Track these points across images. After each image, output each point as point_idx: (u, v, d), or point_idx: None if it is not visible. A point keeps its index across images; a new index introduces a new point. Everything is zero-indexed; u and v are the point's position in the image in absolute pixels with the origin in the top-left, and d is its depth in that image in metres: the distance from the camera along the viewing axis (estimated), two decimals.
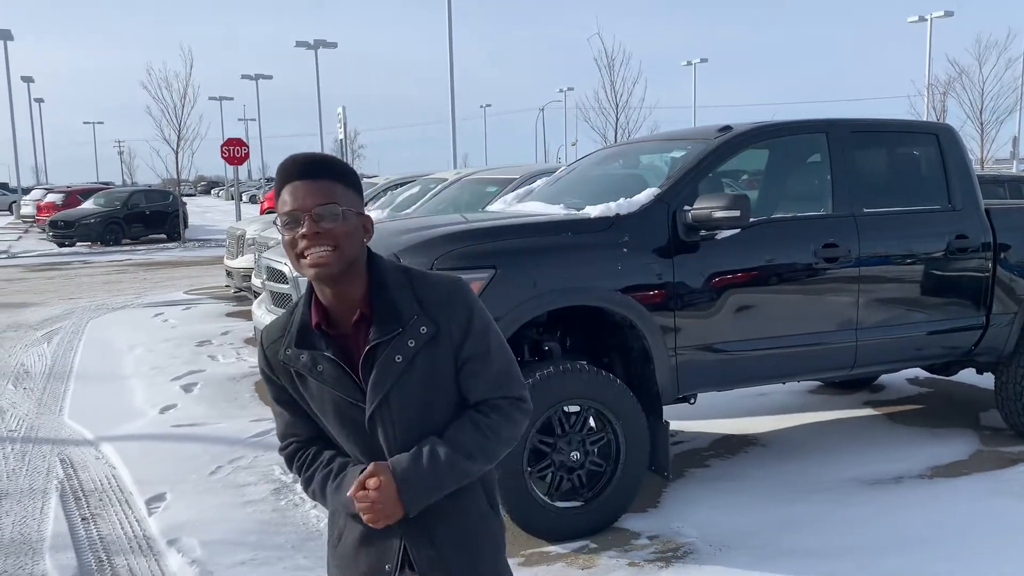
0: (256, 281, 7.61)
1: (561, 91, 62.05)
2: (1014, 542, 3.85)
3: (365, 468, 1.62)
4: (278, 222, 1.60)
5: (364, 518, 1.61)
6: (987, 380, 5.68)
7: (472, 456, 1.64)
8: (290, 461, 1.76)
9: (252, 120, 64.97)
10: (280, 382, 1.70)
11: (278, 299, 6.65)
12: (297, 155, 1.60)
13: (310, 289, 1.63)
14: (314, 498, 1.74)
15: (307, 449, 1.74)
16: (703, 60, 51.25)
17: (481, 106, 78.45)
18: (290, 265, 6.79)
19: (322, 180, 1.56)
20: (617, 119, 25.79)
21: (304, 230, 1.53)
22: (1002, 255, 4.99)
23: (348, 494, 1.62)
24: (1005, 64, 27.58)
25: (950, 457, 5.05)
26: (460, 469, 1.63)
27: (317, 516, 4.26)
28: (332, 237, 1.54)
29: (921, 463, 4.94)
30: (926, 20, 35.02)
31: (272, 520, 4.23)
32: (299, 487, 4.66)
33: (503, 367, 1.68)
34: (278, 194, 1.58)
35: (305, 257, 1.54)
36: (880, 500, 4.39)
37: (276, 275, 6.69)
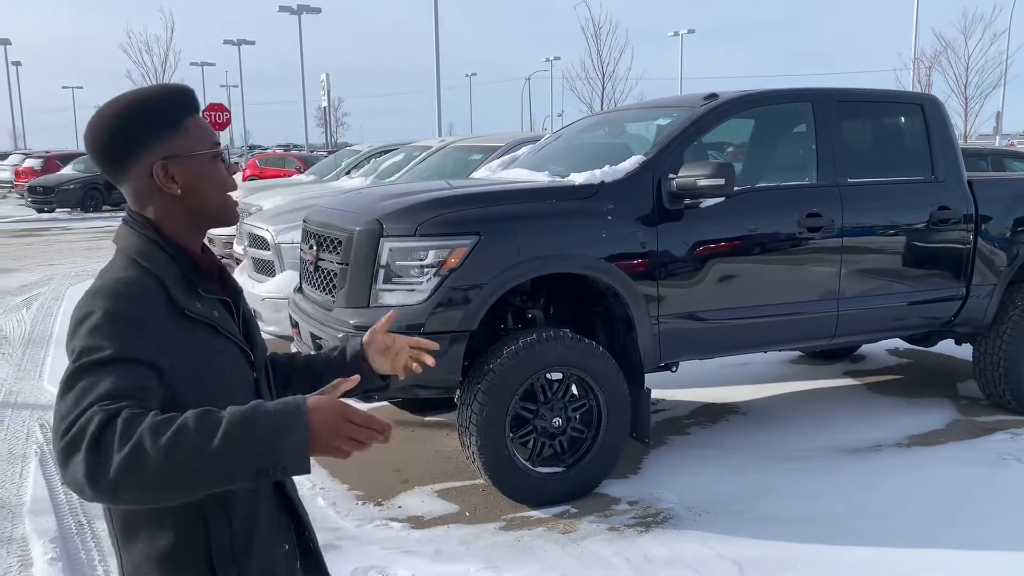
0: (238, 248, 7.55)
1: (548, 60, 61.66)
2: (987, 509, 3.92)
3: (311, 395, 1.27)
4: (220, 153, 1.46)
5: (362, 437, 1.27)
6: (965, 351, 5.74)
7: None
8: (133, 419, 1.17)
9: (235, 87, 64.07)
10: (152, 338, 1.31)
11: (260, 266, 6.62)
12: (178, 85, 1.47)
13: (163, 236, 1.43)
14: (165, 461, 1.14)
15: (153, 411, 1.23)
16: (690, 31, 50.88)
17: (467, 75, 77.85)
18: (272, 231, 6.69)
19: None
20: (603, 89, 25.79)
21: (231, 168, 1.49)
22: (983, 227, 5.02)
23: (347, 385, 1.37)
24: (990, 39, 27.70)
25: (927, 426, 5.11)
26: None
27: (299, 481, 4.26)
28: None
29: (899, 432, 5.00)
30: None
31: None
32: None
33: None
34: (180, 120, 1.41)
35: (229, 193, 1.48)
36: (858, 467, 4.45)
37: (258, 241, 6.65)
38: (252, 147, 62.12)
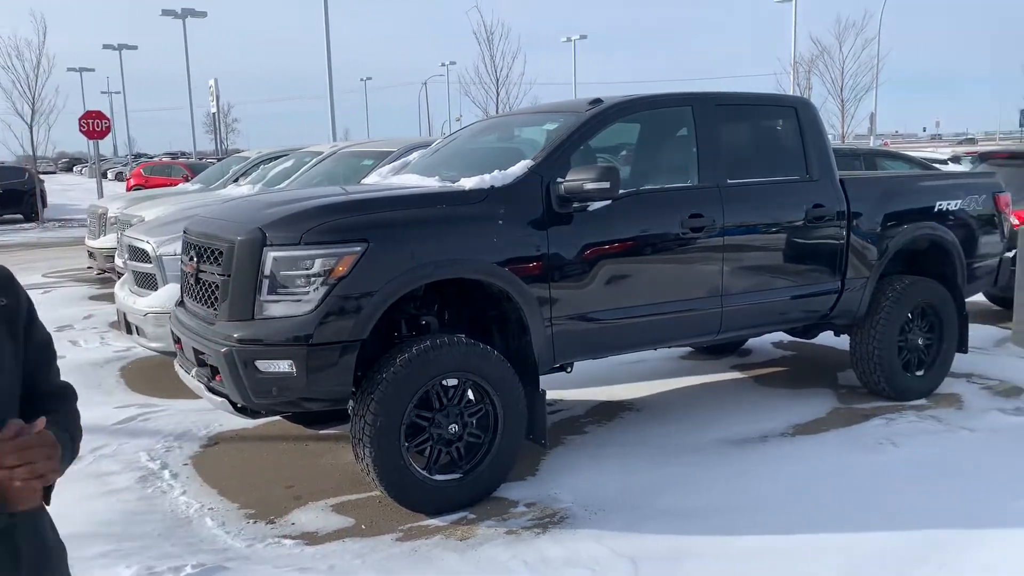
0: (119, 261, 7.22)
1: (444, 65, 61.64)
2: (866, 491, 4.11)
3: None
4: None
5: (16, 486, 1.23)
6: (843, 341, 6.02)
7: (75, 441, 1.49)
8: None
9: (117, 93, 61.51)
10: None
11: (142, 279, 6.35)
12: None
13: None
14: None
15: None
16: (582, 37, 51.86)
17: (362, 79, 76.94)
18: (153, 243, 6.45)
19: None
20: (498, 93, 25.83)
21: None
22: (855, 223, 5.28)
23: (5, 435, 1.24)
24: (862, 44, 29.16)
25: (811, 415, 5.34)
26: (73, 455, 1.46)
27: (186, 502, 4.10)
28: None
29: (784, 422, 5.20)
30: (790, 0, 36.46)
31: (137, 509, 4.04)
32: (167, 473, 4.48)
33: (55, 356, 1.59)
34: None
35: None
36: (747, 459, 4.60)
37: (139, 254, 6.38)
38: (137, 156, 59.67)
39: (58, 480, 1.38)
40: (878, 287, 5.46)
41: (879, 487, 4.17)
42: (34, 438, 1.27)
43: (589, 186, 4.09)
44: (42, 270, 12.96)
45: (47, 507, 1.42)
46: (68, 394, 1.56)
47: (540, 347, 4.21)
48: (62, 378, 1.59)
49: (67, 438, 1.42)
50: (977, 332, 6.99)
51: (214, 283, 4.00)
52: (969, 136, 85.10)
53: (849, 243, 5.26)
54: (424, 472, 3.94)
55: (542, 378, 4.31)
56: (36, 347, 1.45)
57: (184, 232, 4.54)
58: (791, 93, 28.39)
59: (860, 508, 3.92)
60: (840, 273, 5.26)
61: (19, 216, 23.75)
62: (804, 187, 5.13)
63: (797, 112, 5.26)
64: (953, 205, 5.78)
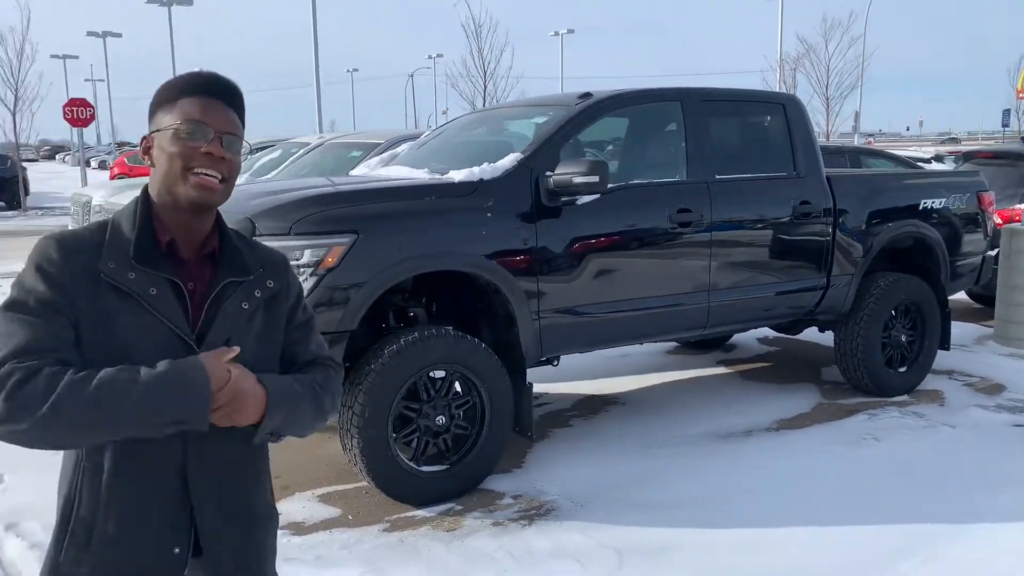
0: None
1: (430, 57, 61.39)
2: (850, 485, 4.16)
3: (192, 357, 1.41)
4: (178, 129, 1.46)
5: (220, 403, 1.39)
6: (827, 337, 6.07)
7: (317, 397, 1.59)
8: (27, 377, 1.31)
9: (100, 81, 60.85)
10: (67, 294, 1.40)
11: None
12: (210, 72, 1.53)
13: (147, 207, 1.50)
14: (53, 417, 1.30)
15: (54, 366, 1.35)
16: (570, 31, 51.76)
17: (348, 71, 76.55)
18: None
19: (233, 109, 1.53)
20: (485, 87, 25.80)
21: (209, 148, 1.46)
22: (841, 220, 5.32)
23: (208, 364, 1.39)
24: (848, 43, 29.32)
25: (795, 410, 5.38)
26: (310, 401, 1.58)
27: None
28: (229, 168, 1.50)
29: (769, 417, 5.24)
30: None
31: None
32: None
33: (321, 337, 1.73)
34: (174, 100, 1.48)
35: (194, 173, 1.45)
36: (732, 452, 4.64)
37: None
38: (121, 144, 59.12)
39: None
40: (862, 284, 5.51)
41: (862, 481, 4.22)
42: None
43: (578, 180, 4.11)
44: (24, 258, 12.82)
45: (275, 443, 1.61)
46: (323, 364, 1.67)
47: (528, 340, 4.23)
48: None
49: (295, 390, 1.55)
50: (959, 329, 7.08)
51: None
52: (952, 135, 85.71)
53: (835, 240, 5.30)
54: (411, 463, 3.95)
55: (528, 371, 4.33)
56: (296, 327, 1.63)
57: None
58: (777, 90, 28.52)
59: (843, 501, 3.96)
60: (826, 269, 5.30)
61: (1, 204, 23.52)
62: (791, 184, 5.16)
63: (785, 109, 5.29)
64: (938, 203, 5.84)
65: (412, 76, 69.36)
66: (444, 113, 54.14)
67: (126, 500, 1.44)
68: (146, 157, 1.52)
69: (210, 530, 1.50)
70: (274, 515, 1.68)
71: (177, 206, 1.49)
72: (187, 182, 1.46)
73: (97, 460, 1.44)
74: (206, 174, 1.46)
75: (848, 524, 3.73)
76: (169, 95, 1.51)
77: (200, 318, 1.49)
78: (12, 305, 1.40)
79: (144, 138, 1.53)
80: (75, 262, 1.42)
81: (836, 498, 4.01)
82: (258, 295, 1.55)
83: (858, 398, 5.61)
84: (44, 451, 1.40)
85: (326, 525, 3.78)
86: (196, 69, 1.59)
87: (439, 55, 57.73)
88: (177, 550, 1.47)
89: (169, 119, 1.48)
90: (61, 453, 1.52)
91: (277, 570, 1.71)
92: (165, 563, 1.47)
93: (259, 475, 1.63)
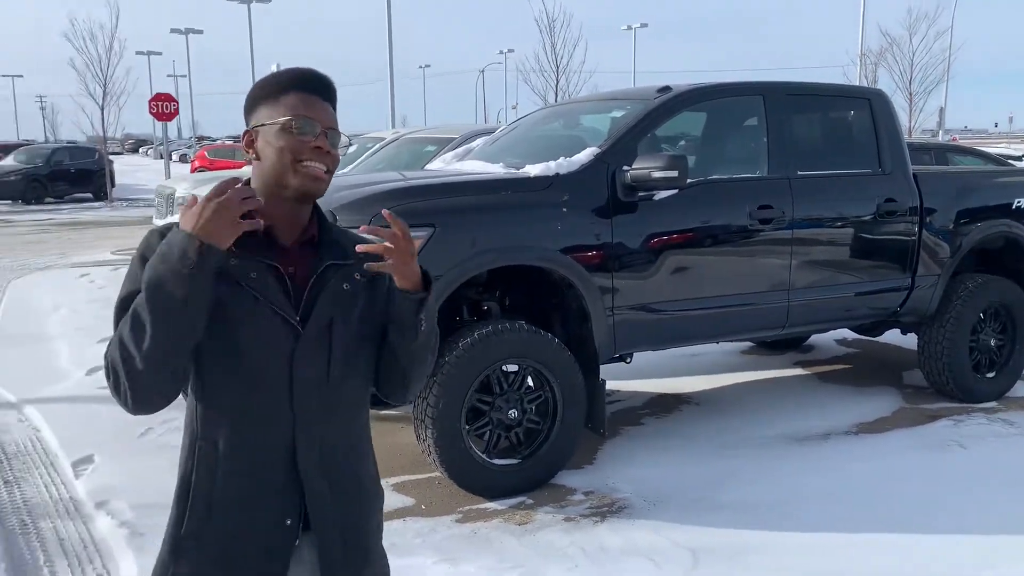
0: None
1: (502, 52, 61.57)
2: (932, 492, 4.02)
3: None
4: (290, 124, 1.52)
5: (391, 240, 1.49)
6: (910, 340, 5.87)
7: (437, 339, 1.68)
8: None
9: (182, 76, 62.82)
10: None
11: None
12: (309, 69, 1.61)
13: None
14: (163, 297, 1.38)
15: None
16: (643, 25, 51.20)
17: (420, 67, 77.37)
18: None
19: (332, 106, 1.61)
20: (557, 82, 25.67)
21: (318, 142, 1.53)
22: (928, 219, 5.14)
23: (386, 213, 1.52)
24: (934, 36, 28.23)
25: (875, 414, 5.23)
26: (436, 339, 1.67)
27: None
28: (333, 161, 1.57)
29: (847, 420, 5.10)
30: None
31: None
32: None
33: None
34: (276, 96, 1.55)
35: (304, 165, 1.52)
36: (808, 455, 4.53)
37: None
38: (201, 138, 60.92)
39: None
40: (949, 286, 5.32)
41: (945, 488, 4.08)
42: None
43: (657, 175, 4.06)
44: (111, 247, 13.35)
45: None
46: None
47: (601, 336, 4.20)
48: None
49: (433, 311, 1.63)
50: None
51: None
52: None
53: (921, 239, 5.12)
54: (484, 456, 3.98)
55: (601, 368, 4.30)
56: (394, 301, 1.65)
57: None
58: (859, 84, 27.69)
59: (924, 508, 3.84)
60: (911, 270, 5.13)
61: (89, 195, 24.51)
62: (876, 181, 5.01)
63: (871, 104, 5.13)
64: None
65: (483, 71, 69.67)
66: (514, 108, 54.28)
67: (241, 475, 1.52)
68: (249, 150, 1.57)
69: (318, 503, 1.56)
70: (380, 492, 1.73)
71: (284, 196, 1.55)
72: (297, 173, 1.52)
73: (212, 439, 1.52)
74: (317, 166, 1.53)
75: (929, 531, 3.61)
76: (271, 91, 1.56)
77: (302, 299, 1.54)
78: (126, 298, 1.47)
79: (246, 132, 1.58)
80: None
81: (917, 504, 3.88)
82: (358, 278, 1.60)
83: (942, 403, 5.42)
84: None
85: (400, 514, 3.83)
86: (290, 66, 1.63)
87: (511, 50, 57.81)
88: (289, 521, 1.54)
89: (274, 114, 1.54)
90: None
91: (380, 540, 1.73)
92: (279, 533, 1.54)
93: (365, 451, 1.68)
